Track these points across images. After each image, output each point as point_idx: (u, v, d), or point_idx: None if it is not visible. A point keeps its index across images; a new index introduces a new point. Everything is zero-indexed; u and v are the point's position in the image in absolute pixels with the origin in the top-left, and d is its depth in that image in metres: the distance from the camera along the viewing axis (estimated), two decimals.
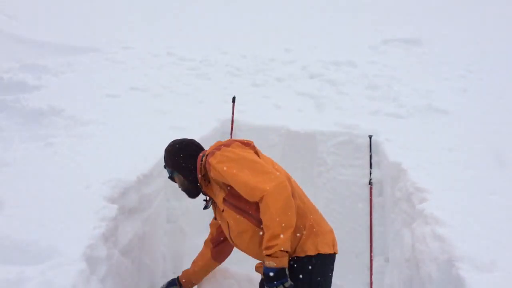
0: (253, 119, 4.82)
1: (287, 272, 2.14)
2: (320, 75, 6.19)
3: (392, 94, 5.59)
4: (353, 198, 4.43)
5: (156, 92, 5.24)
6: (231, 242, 2.58)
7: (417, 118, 4.96)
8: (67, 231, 2.24)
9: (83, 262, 2.05)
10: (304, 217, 2.34)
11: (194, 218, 3.92)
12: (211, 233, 2.89)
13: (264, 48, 7.28)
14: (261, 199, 2.15)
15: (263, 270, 2.16)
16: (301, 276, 2.25)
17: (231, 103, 4.68)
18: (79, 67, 5.68)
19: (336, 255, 2.45)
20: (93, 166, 3.04)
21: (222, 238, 2.80)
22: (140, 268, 2.93)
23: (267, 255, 2.13)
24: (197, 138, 4.03)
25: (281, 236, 2.10)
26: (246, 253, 2.52)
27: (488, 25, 8.86)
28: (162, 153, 2.74)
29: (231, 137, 4.50)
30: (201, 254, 2.91)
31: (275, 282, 2.11)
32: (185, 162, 2.52)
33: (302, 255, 2.30)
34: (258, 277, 2.56)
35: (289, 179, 2.40)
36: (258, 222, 2.27)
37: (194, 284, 2.98)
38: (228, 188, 2.35)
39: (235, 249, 2.70)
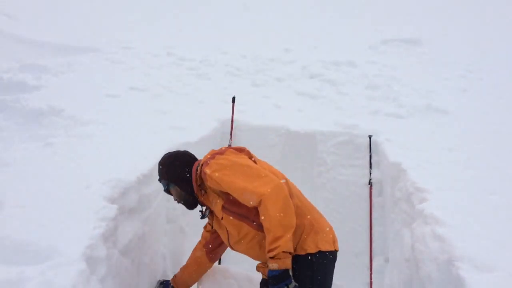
0: (253, 119, 4.83)
1: (290, 273, 2.15)
2: (320, 75, 6.21)
3: (392, 94, 5.59)
4: (353, 198, 4.44)
5: (156, 92, 5.24)
6: (230, 248, 2.59)
7: (417, 118, 4.96)
8: (67, 231, 2.23)
9: (83, 262, 2.05)
10: (303, 216, 2.34)
11: (194, 218, 3.91)
12: (204, 238, 2.90)
13: (264, 48, 7.28)
14: (260, 203, 2.16)
15: (267, 272, 2.16)
16: (302, 275, 2.26)
17: (231, 103, 4.68)
18: (79, 67, 5.67)
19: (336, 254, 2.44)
20: (93, 166, 3.03)
21: (217, 243, 2.81)
22: (140, 268, 2.93)
23: (270, 258, 2.14)
24: (197, 138, 4.11)
25: (283, 237, 2.11)
26: (247, 255, 2.52)
27: (488, 25, 8.87)
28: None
29: (231, 137, 4.53)
30: (194, 259, 2.91)
31: (279, 284, 2.12)
32: (181, 170, 2.52)
33: (303, 253, 2.30)
34: (258, 277, 2.56)
35: (286, 180, 2.40)
36: (259, 227, 2.28)
37: (189, 286, 2.99)
38: (226, 195, 2.35)
39: None
